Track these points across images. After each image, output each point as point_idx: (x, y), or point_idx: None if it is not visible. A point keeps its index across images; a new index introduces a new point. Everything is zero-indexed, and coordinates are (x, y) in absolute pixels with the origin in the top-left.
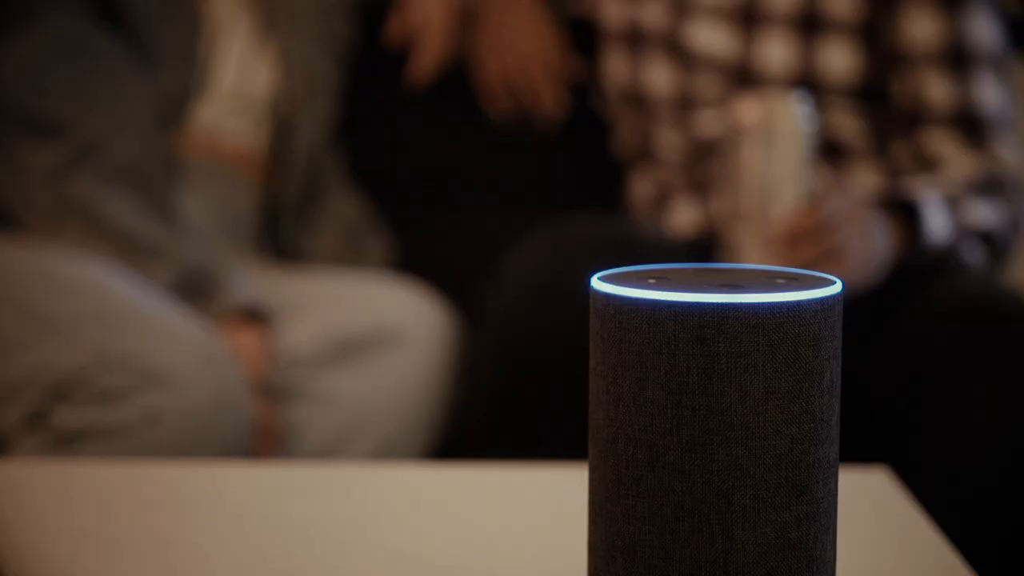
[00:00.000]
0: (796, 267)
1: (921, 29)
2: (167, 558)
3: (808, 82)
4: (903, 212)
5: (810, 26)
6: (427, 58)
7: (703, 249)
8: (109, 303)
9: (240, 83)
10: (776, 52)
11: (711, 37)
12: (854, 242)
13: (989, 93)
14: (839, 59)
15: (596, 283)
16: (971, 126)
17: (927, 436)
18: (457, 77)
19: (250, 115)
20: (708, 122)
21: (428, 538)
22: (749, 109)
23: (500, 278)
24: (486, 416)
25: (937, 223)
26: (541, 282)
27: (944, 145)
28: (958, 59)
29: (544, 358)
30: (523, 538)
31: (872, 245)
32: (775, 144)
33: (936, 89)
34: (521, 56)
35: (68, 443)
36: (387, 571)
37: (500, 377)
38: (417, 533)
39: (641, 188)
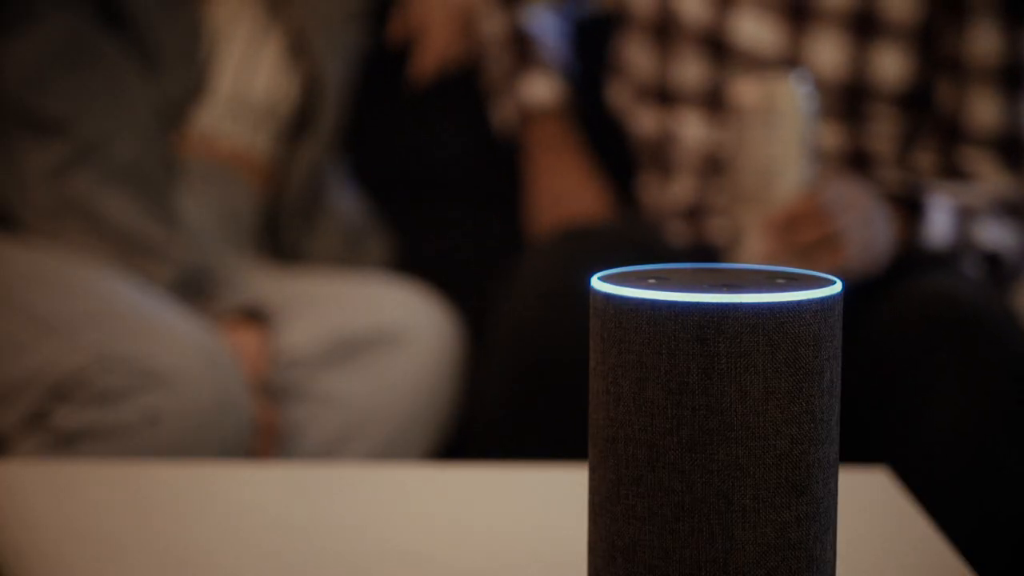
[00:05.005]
0: (794, 250)
1: (984, 43)
2: (167, 558)
3: (856, 87)
4: (908, 208)
5: (865, 27)
6: (428, 58)
7: (718, 252)
8: (109, 303)
9: (239, 86)
10: (826, 52)
11: (757, 32)
12: (854, 230)
13: None
14: (892, 64)
15: (596, 283)
16: (1014, 149)
17: (890, 437)
18: (457, 77)
19: (248, 118)
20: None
21: (428, 538)
22: (749, 90)
23: (514, 280)
24: (499, 419)
25: (939, 229)
26: (555, 284)
27: (982, 165)
28: (1013, 78)
29: (559, 360)
30: (523, 538)
31: (874, 234)
32: (776, 124)
33: (986, 109)
34: (571, 215)
35: (68, 443)
36: (387, 571)
37: (513, 379)
38: (417, 533)
39: (649, 200)
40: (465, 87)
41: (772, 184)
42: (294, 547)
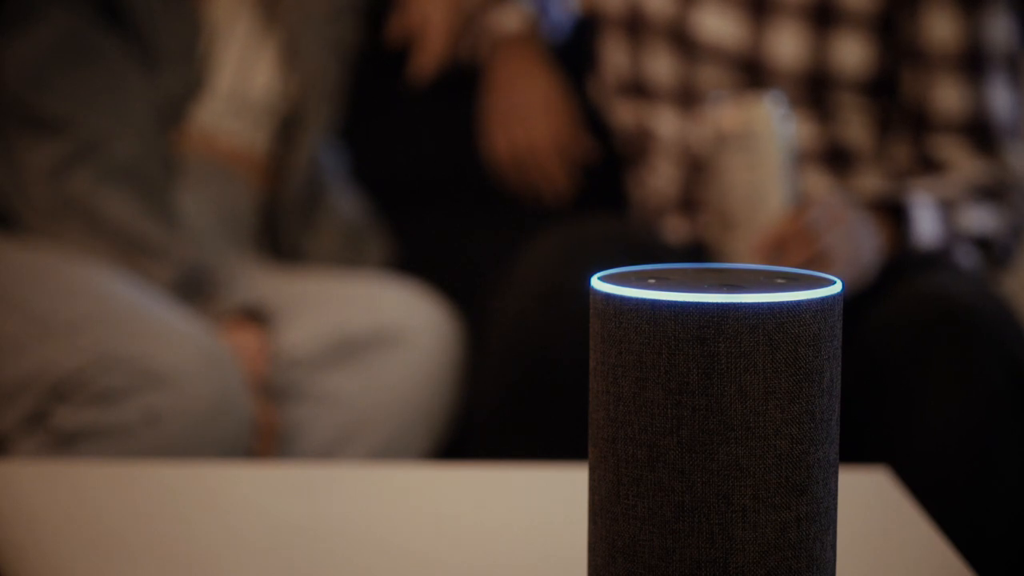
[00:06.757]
0: None
1: (940, 29)
2: (167, 558)
3: (819, 76)
4: (893, 213)
5: (824, 17)
6: (427, 58)
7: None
8: (109, 303)
9: (238, 84)
10: (787, 44)
11: (719, 27)
12: (841, 245)
13: (1001, 99)
14: (852, 52)
15: (596, 283)
16: (982, 134)
17: (887, 437)
18: (457, 77)
19: (248, 116)
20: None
21: (428, 538)
22: (725, 116)
23: (510, 279)
24: (498, 419)
25: (926, 226)
26: (552, 283)
27: (952, 151)
28: (974, 63)
29: (555, 359)
30: (523, 538)
31: (859, 246)
32: (755, 148)
33: (949, 96)
34: (531, 134)
35: (68, 443)
36: (387, 571)
37: (510, 378)
38: (417, 533)
39: (639, 196)
40: (465, 87)
41: (757, 208)
42: (294, 547)
